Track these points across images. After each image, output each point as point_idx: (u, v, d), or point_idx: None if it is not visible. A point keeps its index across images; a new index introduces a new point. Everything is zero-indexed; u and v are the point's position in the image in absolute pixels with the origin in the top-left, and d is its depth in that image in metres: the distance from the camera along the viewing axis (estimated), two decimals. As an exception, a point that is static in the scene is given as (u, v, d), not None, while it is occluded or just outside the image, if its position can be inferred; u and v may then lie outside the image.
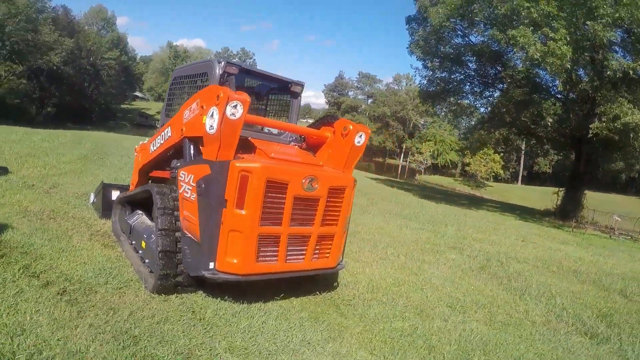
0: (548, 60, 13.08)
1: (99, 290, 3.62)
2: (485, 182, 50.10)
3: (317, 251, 4.11)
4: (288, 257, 3.88)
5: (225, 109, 3.33)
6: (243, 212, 3.45)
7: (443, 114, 24.89)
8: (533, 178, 63.90)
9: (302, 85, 4.90)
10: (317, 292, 4.46)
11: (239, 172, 3.40)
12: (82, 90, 56.58)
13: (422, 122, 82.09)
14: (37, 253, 4.16)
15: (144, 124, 70.37)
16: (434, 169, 67.63)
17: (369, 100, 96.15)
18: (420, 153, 64.94)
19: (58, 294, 3.43)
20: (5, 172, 7.40)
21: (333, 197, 4.02)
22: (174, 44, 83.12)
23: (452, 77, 21.24)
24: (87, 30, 59.34)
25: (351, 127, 4.33)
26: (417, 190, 23.05)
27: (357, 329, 3.83)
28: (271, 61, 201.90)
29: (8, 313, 2.98)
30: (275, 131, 4.91)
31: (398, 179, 42.82)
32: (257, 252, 3.61)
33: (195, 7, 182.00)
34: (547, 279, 6.93)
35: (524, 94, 18.19)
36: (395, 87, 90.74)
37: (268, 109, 5.37)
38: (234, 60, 4.46)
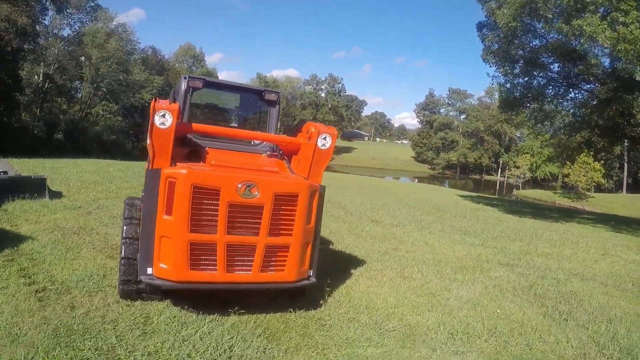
0: (620, 48, 11.71)
1: (73, 292, 4.20)
2: (587, 193, 45.75)
3: (268, 263, 4.02)
4: (230, 268, 3.86)
5: (154, 118, 3.66)
6: (171, 218, 3.64)
7: (527, 120, 23.23)
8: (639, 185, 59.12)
9: (276, 92, 5.03)
10: (291, 310, 4.35)
11: (166, 179, 3.64)
12: None
13: (518, 135, 78.76)
14: (40, 259, 4.99)
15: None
16: (534, 183, 64.43)
17: (462, 116, 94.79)
18: (517, 167, 62.52)
19: (36, 291, 4.09)
20: (59, 197, 8.76)
21: (282, 205, 3.94)
22: (266, 75, 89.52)
23: (533, 81, 19.99)
24: (178, 67, 66.77)
25: (313, 129, 4.29)
26: (505, 206, 21.58)
27: (310, 352, 3.64)
28: (363, 85, 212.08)
29: (-16, 302, 3.66)
30: (257, 142, 5.14)
31: (493, 196, 40.77)
32: (189, 260, 3.70)
33: (287, 39, 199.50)
34: (610, 300, 6.02)
35: (609, 90, 16.34)
36: (488, 101, 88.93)
37: (262, 120, 5.58)
38: (197, 76, 4.90)
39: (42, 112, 41.31)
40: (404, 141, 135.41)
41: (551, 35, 17.66)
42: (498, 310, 5.16)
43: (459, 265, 7.18)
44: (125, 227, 4.17)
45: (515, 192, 56.94)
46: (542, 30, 17.84)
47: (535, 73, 19.49)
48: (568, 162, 36.98)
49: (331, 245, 7.63)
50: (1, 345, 3.09)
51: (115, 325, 3.63)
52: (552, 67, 19.91)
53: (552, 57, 18.89)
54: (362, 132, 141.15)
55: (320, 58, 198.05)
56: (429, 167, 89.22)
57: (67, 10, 41.35)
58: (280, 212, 3.96)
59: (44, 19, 40.61)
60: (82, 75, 43.87)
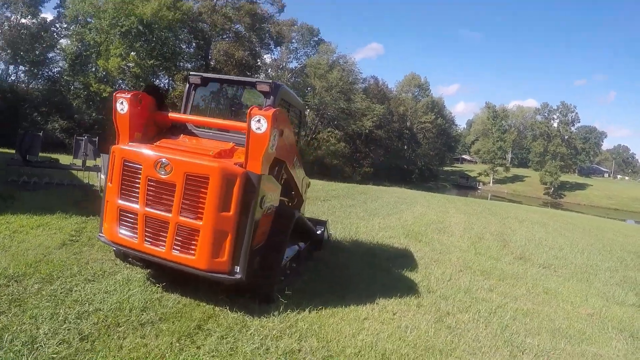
0: None
1: (102, 249, 5.96)
2: None
3: (180, 244, 4.38)
4: (147, 240, 4.46)
5: (115, 105, 4.76)
6: (111, 185, 4.62)
7: None
8: None
9: (268, 83, 5.36)
10: (236, 309, 4.64)
11: (112, 153, 4.63)
12: (399, 152, 68.70)
13: None
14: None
15: (464, 185, 79.54)
16: None
17: None
18: None
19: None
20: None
21: (192, 186, 4.29)
22: (495, 104, 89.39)
23: None
24: (403, 97, 72.18)
25: (250, 111, 4.38)
26: None
27: (204, 349, 3.84)
28: (606, 115, 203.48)
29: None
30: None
31: None
32: (118, 224, 4.58)
33: (526, 68, 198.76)
34: None
35: None
36: None
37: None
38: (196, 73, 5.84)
39: (272, 137, 51.21)
40: (625, 178, 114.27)
41: None
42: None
43: (554, 327, 5.82)
44: None
45: None
46: None
47: None
48: None
49: (410, 272, 7.32)
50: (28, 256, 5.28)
51: (81, 270, 5.12)
52: None
53: None
54: (601, 168, 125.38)
55: (559, 86, 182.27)
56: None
57: (293, 45, 50.42)
58: (192, 193, 4.30)
59: (271, 54, 50.80)
60: (307, 103, 52.20)
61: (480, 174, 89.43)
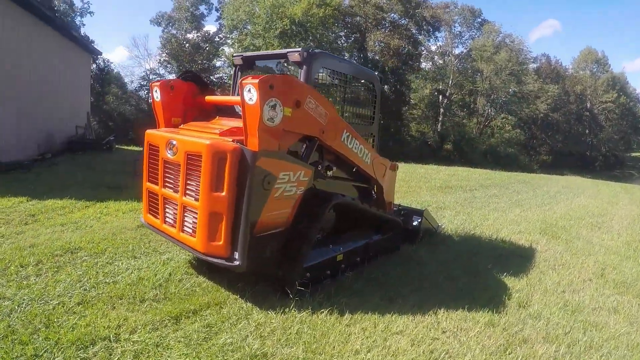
0: None
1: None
2: None
3: (185, 224, 4.41)
4: (166, 220, 4.67)
5: (152, 93, 5.08)
6: (143, 169, 4.96)
7: None
8: None
9: (297, 51, 4.88)
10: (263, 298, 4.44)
11: (144, 138, 4.88)
12: (579, 137, 60.66)
13: None
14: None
15: (664, 170, 66.74)
16: None
17: None
18: None
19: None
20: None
21: (191, 164, 4.25)
22: None
23: None
24: (580, 75, 63.89)
25: (242, 81, 4.02)
26: None
27: (178, 334, 3.75)
28: None
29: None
30: None
31: None
32: (148, 205, 4.90)
33: None
34: None
35: None
36: None
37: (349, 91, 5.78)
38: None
39: (443, 125, 48.65)
40: None
41: None
42: None
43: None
44: None
45: None
46: None
47: None
48: None
49: (510, 278, 5.84)
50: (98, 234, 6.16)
51: (134, 248, 5.71)
52: None
53: None
54: None
55: None
56: None
57: (456, 29, 47.58)
58: (192, 172, 4.29)
59: (435, 40, 48.58)
60: (477, 89, 48.40)
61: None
